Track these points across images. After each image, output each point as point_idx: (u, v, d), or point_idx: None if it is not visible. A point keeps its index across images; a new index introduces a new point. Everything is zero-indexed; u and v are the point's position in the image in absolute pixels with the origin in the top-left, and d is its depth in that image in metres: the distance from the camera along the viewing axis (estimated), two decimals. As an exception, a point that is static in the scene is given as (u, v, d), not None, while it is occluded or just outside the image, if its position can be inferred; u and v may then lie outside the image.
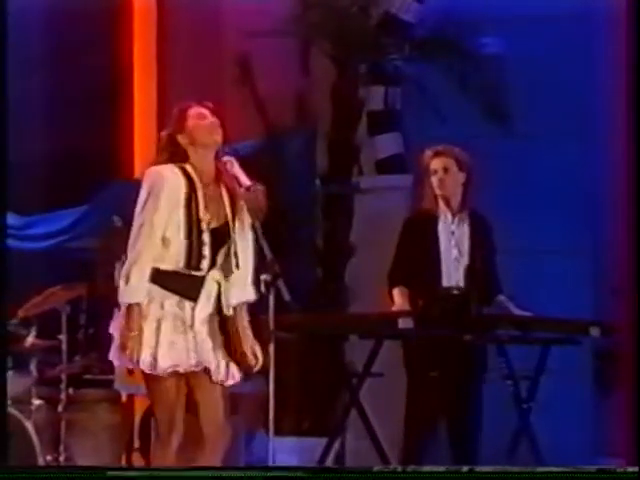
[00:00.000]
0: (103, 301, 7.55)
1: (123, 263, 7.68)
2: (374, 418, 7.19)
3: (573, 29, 8.09)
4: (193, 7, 8.92)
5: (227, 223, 5.40)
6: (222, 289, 5.38)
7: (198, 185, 5.36)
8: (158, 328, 5.29)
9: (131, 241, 5.32)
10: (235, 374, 5.40)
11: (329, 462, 7.42)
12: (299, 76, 8.54)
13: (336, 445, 7.43)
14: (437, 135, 7.49)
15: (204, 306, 5.39)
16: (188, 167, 5.38)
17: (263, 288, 5.37)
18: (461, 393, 6.82)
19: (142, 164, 8.02)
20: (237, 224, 5.45)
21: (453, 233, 6.83)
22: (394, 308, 6.78)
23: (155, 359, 5.25)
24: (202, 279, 5.36)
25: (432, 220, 6.82)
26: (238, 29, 8.42)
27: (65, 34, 9.13)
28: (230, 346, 5.41)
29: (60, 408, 7.43)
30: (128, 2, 9.46)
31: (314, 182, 8.47)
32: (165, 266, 5.33)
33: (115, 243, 7.54)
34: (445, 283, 6.80)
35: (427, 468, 4.84)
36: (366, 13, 8.49)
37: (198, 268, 5.32)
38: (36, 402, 7.36)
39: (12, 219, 9.28)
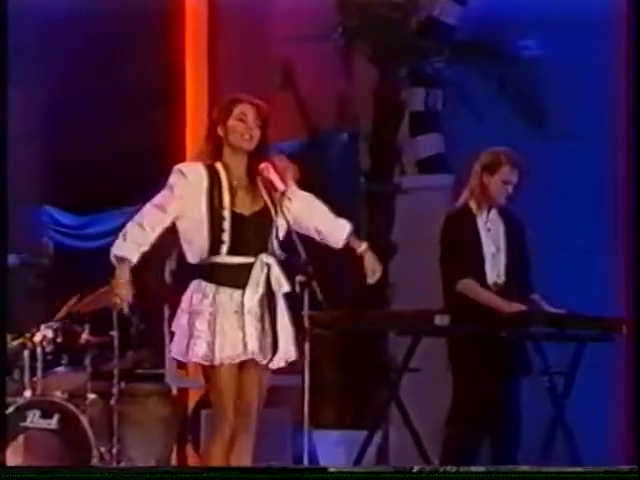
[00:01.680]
0: (153, 298, 7.65)
1: (172, 261, 7.77)
2: (414, 413, 7.20)
3: (608, 31, 8.04)
4: (242, 12, 8.94)
5: (262, 212, 5.39)
6: (271, 273, 5.38)
7: (224, 181, 5.37)
8: (213, 322, 5.30)
9: (144, 207, 5.40)
10: (280, 361, 5.38)
11: (370, 454, 7.43)
12: (342, 79, 8.51)
13: (377, 438, 7.49)
14: (477, 136, 7.53)
15: (253, 293, 5.36)
16: (218, 165, 5.39)
17: (298, 288, 5.35)
18: (502, 391, 6.77)
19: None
20: (277, 216, 5.42)
21: (489, 230, 6.80)
22: (479, 300, 6.65)
23: (212, 352, 5.26)
24: (250, 266, 5.34)
25: (472, 217, 6.79)
26: (284, 34, 8.47)
27: (118, 35, 9.12)
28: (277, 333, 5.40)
29: (113, 402, 7.46)
30: (180, 3, 9.49)
31: (357, 181, 8.46)
32: (191, 258, 5.38)
33: (163, 242, 7.62)
34: (488, 278, 6.76)
35: (428, 468, 4.76)
36: (407, 17, 8.48)
37: (217, 252, 5.32)
38: (90, 396, 7.42)
39: (69, 219, 9.44)
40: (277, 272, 5.40)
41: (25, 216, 8.91)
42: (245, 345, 5.32)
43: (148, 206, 5.41)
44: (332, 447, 7.52)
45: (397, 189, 8.51)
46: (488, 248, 6.80)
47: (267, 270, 5.38)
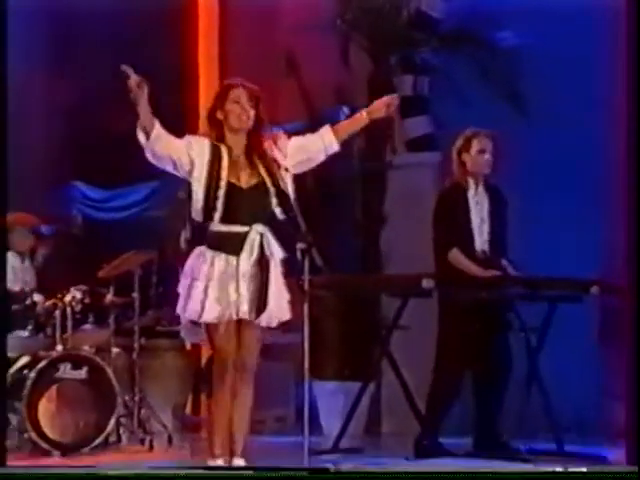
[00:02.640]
0: (170, 263, 7.71)
1: (186, 231, 7.80)
2: (405, 367, 7.28)
3: (586, 23, 7.89)
4: (250, 5, 8.91)
5: (258, 186, 5.38)
6: (264, 241, 5.39)
7: (225, 156, 5.39)
8: (207, 287, 5.32)
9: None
10: (272, 320, 5.40)
11: (364, 404, 7.51)
12: (340, 66, 8.44)
13: (370, 389, 7.53)
14: (461, 118, 7.48)
15: (247, 259, 5.37)
16: (221, 145, 5.41)
17: (299, 255, 5.33)
18: (483, 344, 6.80)
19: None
20: (277, 185, 5.41)
21: (477, 203, 6.86)
22: (463, 267, 6.69)
23: (202, 310, 5.30)
24: (245, 235, 5.36)
25: (462, 191, 6.85)
26: (288, 24, 8.45)
27: (139, 25, 9.06)
28: (267, 294, 5.39)
29: (134, 355, 7.51)
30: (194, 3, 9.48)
31: (352, 159, 8.40)
32: (197, 217, 5.38)
33: (180, 213, 7.67)
34: (477, 248, 6.81)
35: (427, 468, 4.71)
36: (398, 10, 8.44)
37: (211, 218, 5.34)
38: (114, 350, 7.52)
39: (96, 193, 9.49)
40: (271, 240, 5.42)
41: (57, 191, 9.00)
42: (237, 306, 5.34)
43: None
44: (330, 396, 7.52)
45: (389, 166, 8.48)
46: (475, 219, 6.84)
47: (260, 238, 5.39)
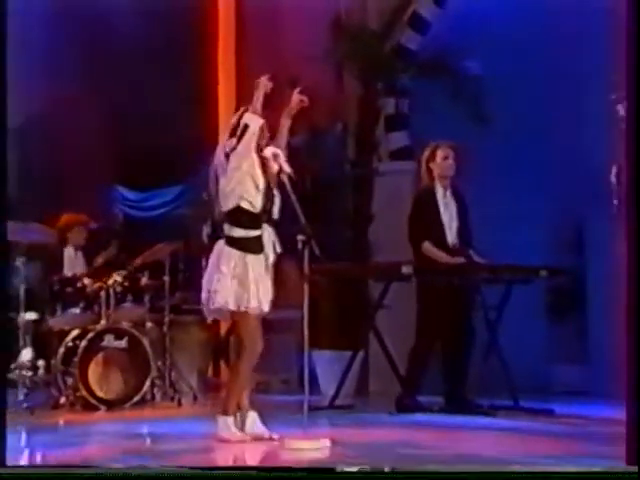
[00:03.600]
0: (194, 253, 7.65)
1: (207, 227, 7.72)
2: (388, 339, 7.27)
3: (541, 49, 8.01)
4: (262, 36, 8.84)
5: (266, 193, 5.32)
6: (272, 239, 5.37)
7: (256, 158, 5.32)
8: (229, 282, 5.30)
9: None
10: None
11: (355, 369, 7.46)
12: (335, 90, 8.46)
13: (360, 357, 7.48)
14: (434, 133, 7.33)
15: (259, 257, 5.33)
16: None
17: (300, 245, 5.26)
18: (455, 321, 6.80)
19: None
20: (279, 192, 5.37)
21: (447, 204, 6.87)
22: (434, 256, 6.66)
23: (240, 302, 5.27)
24: (259, 237, 5.33)
25: (432, 194, 6.85)
26: (292, 52, 8.35)
27: (168, 46, 8.80)
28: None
29: (165, 329, 7.51)
30: (214, 17, 9.32)
31: (345, 166, 8.43)
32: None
33: (202, 212, 7.68)
34: (449, 240, 6.81)
35: (426, 469, 4.36)
36: (382, 44, 8.40)
37: (259, 225, 5.31)
38: (149, 324, 7.48)
39: (133, 195, 9.33)
40: (274, 238, 5.41)
41: (101, 193, 8.91)
42: (246, 297, 5.29)
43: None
44: (326, 363, 7.48)
45: (375, 172, 8.45)
46: (445, 217, 6.84)
47: (274, 239, 5.37)
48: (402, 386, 6.99)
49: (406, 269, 6.77)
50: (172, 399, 7.34)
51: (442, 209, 6.83)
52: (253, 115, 5.34)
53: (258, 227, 5.34)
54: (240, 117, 5.37)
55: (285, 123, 5.51)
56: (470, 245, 6.91)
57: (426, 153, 6.89)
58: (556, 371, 8.20)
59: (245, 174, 5.31)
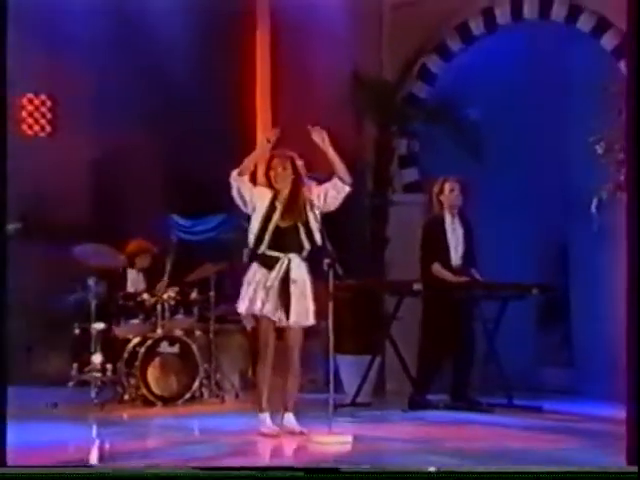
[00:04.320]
0: (235, 272, 7.46)
1: (247, 249, 7.75)
2: (402, 345, 7.25)
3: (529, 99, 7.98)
4: (292, 84, 8.62)
5: (295, 225, 5.38)
6: (292, 264, 5.38)
7: (279, 200, 5.43)
8: (248, 287, 5.40)
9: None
10: (300, 320, 5.41)
11: (374, 370, 7.36)
12: (356, 132, 8.37)
13: (377, 360, 7.42)
14: (440, 169, 7.38)
15: (277, 275, 5.37)
16: (273, 194, 5.46)
17: (325, 267, 5.29)
18: (458, 331, 6.77)
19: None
20: (306, 225, 5.39)
21: (453, 230, 6.86)
22: (443, 277, 6.64)
23: (254, 308, 5.39)
24: (277, 258, 5.36)
25: (441, 222, 6.86)
26: (321, 102, 8.19)
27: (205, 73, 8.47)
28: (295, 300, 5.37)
29: (211, 336, 7.46)
30: (253, 70, 9.04)
31: (364, 198, 8.29)
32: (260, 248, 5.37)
33: (244, 237, 7.71)
34: (453, 262, 6.79)
35: (425, 469, 4.15)
36: (396, 93, 8.39)
37: (274, 249, 5.36)
38: (197, 333, 7.45)
39: (185, 221, 9.17)
40: (298, 263, 5.39)
41: (160, 221, 8.88)
42: (267, 306, 5.35)
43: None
44: (348, 366, 7.39)
45: (390, 202, 8.43)
46: (452, 242, 6.80)
47: (288, 262, 5.40)
48: (413, 386, 6.97)
49: (417, 286, 6.83)
50: (217, 396, 7.33)
51: (449, 234, 6.82)
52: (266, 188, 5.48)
53: (283, 250, 5.39)
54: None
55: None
56: (473, 265, 6.89)
57: (436, 187, 6.89)
58: (545, 373, 8.19)
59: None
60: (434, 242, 6.80)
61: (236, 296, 5.68)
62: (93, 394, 6.96)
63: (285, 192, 5.51)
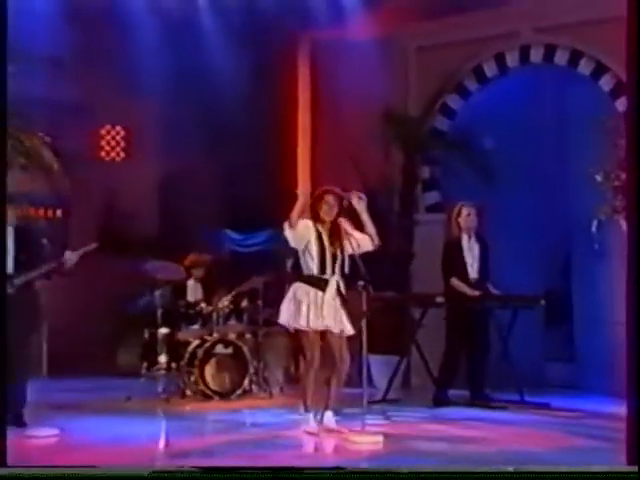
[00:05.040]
0: (281, 282, 7.56)
1: (290, 262, 7.79)
2: (425, 348, 7.25)
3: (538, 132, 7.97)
4: (330, 120, 8.67)
5: (335, 252, 5.49)
6: (340, 284, 5.49)
7: (322, 230, 5.50)
8: (299, 304, 5.44)
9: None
10: (345, 329, 5.49)
11: (401, 369, 7.37)
12: (385, 161, 8.37)
13: (404, 361, 7.45)
14: (460, 192, 7.40)
15: (329, 293, 5.46)
16: (319, 225, 5.53)
17: (360, 287, 5.36)
18: (475, 336, 6.76)
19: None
20: (345, 251, 5.49)
21: (470, 249, 6.85)
22: (460, 289, 6.64)
23: (286, 319, 5.48)
24: (327, 280, 5.48)
25: (458, 242, 6.84)
26: (354, 137, 8.18)
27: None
28: (341, 315, 5.47)
29: (259, 338, 7.47)
30: (295, 110, 9.06)
31: (393, 218, 8.27)
32: (307, 271, 5.48)
33: (284, 250, 7.73)
34: (470, 276, 6.78)
35: (425, 468, 4.02)
36: (420, 127, 8.39)
37: (324, 273, 5.49)
38: (247, 336, 7.44)
39: (236, 235, 9.25)
40: (341, 284, 5.49)
41: (215, 235, 8.92)
42: (323, 319, 5.44)
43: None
44: (379, 365, 7.37)
45: (415, 222, 8.38)
46: (469, 259, 6.81)
47: (337, 284, 5.49)
48: (434, 383, 6.95)
49: (439, 299, 6.85)
50: (265, 391, 7.35)
51: (466, 253, 6.80)
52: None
53: (322, 272, 5.44)
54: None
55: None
56: (488, 279, 6.88)
57: (454, 211, 6.90)
58: (551, 369, 8.14)
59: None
60: (453, 260, 6.80)
61: (281, 301, 5.66)
62: (160, 389, 7.04)
63: (328, 223, 5.56)
